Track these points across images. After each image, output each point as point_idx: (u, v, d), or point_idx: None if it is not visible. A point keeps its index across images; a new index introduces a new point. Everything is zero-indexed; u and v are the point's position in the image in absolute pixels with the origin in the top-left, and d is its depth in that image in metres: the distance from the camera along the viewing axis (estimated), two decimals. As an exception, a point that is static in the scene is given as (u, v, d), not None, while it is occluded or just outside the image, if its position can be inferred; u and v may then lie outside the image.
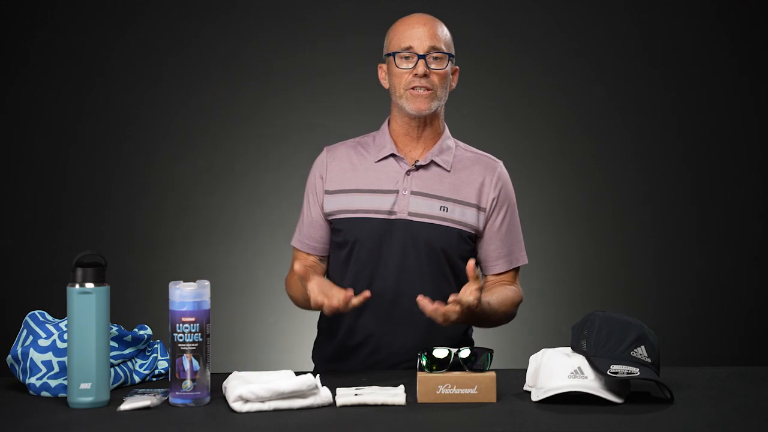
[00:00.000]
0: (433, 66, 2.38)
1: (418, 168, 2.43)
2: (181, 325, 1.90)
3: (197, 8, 4.24)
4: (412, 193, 2.41)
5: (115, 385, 2.09)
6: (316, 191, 2.49)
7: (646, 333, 1.96)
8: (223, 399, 1.93)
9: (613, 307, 2.28)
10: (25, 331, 2.09)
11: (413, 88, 2.38)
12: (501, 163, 2.52)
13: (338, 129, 4.24)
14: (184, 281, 1.95)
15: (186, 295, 1.91)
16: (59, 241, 4.14)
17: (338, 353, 2.46)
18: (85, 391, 1.91)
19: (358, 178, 2.45)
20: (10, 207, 4.18)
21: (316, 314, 2.55)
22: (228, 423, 1.81)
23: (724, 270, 4.21)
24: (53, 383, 2.03)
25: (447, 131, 2.51)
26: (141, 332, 2.16)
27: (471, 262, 2.12)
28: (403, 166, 2.44)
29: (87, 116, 4.20)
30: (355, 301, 2.18)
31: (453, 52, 2.45)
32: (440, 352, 1.95)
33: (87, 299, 1.91)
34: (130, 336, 2.13)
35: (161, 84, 4.21)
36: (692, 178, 4.22)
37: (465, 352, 1.95)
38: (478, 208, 2.43)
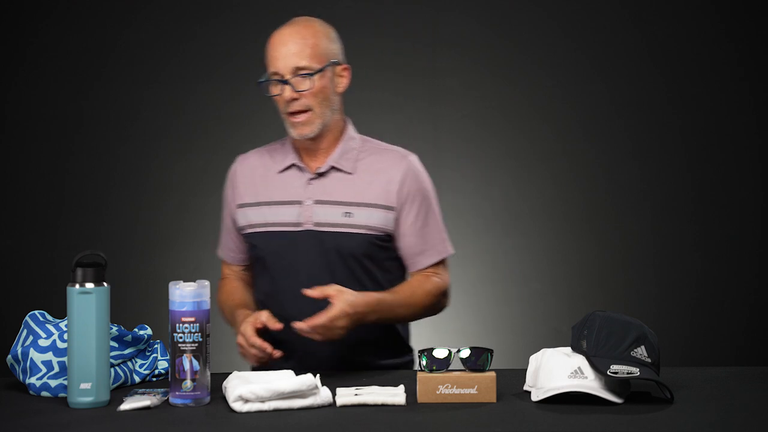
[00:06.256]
0: (301, 87, 2.30)
1: (319, 176, 2.38)
2: (181, 325, 1.90)
3: (197, 8, 4.24)
4: (316, 202, 2.36)
5: (115, 385, 2.09)
6: (228, 203, 2.49)
7: (646, 333, 1.95)
8: (223, 399, 1.93)
9: (613, 307, 2.28)
10: (25, 331, 2.09)
11: (291, 113, 2.32)
12: (412, 156, 2.43)
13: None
14: (184, 281, 1.95)
15: (186, 295, 1.91)
16: (59, 241, 4.14)
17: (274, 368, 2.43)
18: (85, 391, 1.91)
19: (264, 189, 2.42)
20: (10, 207, 4.18)
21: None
22: (228, 423, 1.81)
23: (724, 270, 4.20)
24: (53, 383, 2.03)
25: (350, 130, 2.44)
26: (141, 332, 2.16)
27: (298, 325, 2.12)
28: (305, 175, 2.39)
29: (87, 116, 4.20)
30: (277, 354, 2.20)
31: (331, 58, 2.35)
32: (440, 352, 1.95)
33: (87, 299, 1.91)
34: (130, 336, 2.13)
35: (161, 84, 4.20)
36: (692, 178, 4.22)
37: (465, 352, 1.95)
38: (386, 208, 2.36)
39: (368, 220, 2.35)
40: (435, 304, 2.41)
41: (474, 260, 4.20)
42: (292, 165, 2.40)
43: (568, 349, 2.00)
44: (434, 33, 4.19)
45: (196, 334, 1.91)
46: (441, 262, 2.43)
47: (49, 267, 4.06)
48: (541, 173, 4.24)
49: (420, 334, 4.17)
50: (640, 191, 4.23)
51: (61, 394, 2.02)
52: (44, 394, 2.03)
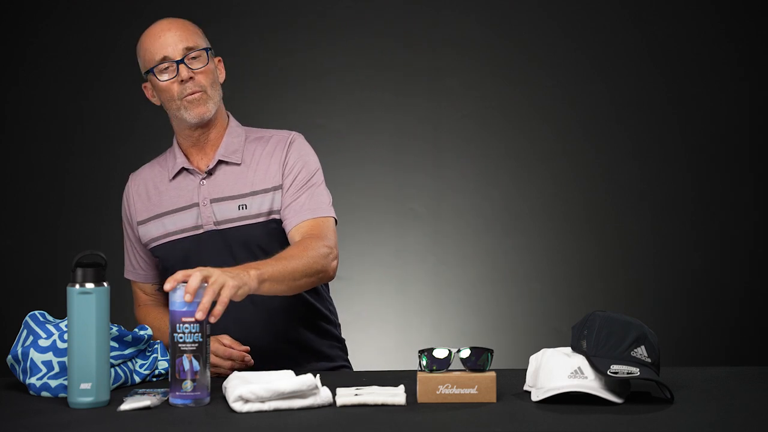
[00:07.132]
0: (194, 66, 2.34)
1: (209, 174, 2.40)
2: (181, 325, 1.90)
3: (197, 8, 4.24)
4: (212, 201, 2.38)
5: (115, 385, 2.09)
6: (128, 222, 2.50)
7: (646, 333, 1.96)
8: (223, 399, 1.93)
9: (613, 307, 2.28)
10: (25, 331, 2.09)
11: (188, 95, 2.34)
12: (295, 134, 2.46)
13: (338, 129, 4.25)
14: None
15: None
16: (59, 241, 4.14)
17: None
18: (85, 391, 1.91)
19: (159, 201, 2.44)
20: (10, 207, 4.18)
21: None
22: (228, 423, 1.81)
23: (723, 270, 4.20)
24: (53, 383, 2.03)
25: (233, 123, 2.47)
26: (141, 332, 2.16)
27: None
28: (196, 176, 2.41)
29: (87, 116, 4.20)
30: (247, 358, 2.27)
31: (209, 45, 2.41)
32: (440, 352, 1.95)
33: (87, 299, 1.91)
34: (130, 336, 2.13)
35: (161, 84, 4.20)
36: (692, 178, 4.22)
37: (465, 352, 1.95)
38: (276, 188, 2.38)
39: (263, 206, 2.37)
40: (322, 259, 2.27)
41: (474, 260, 4.20)
42: (182, 169, 2.43)
43: (568, 349, 2.00)
44: (434, 33, 4.19)
45: (196, 334, 1.90)
46: (325, 225, 2.37)
47: (49, 267, 4.07)
48: (541, 173, 4.24)
49: (420, 334, 4.18)
50: (640, 191, 4.23)
51: (61, 394, 2.02)
52: (44, 394, 2.04)
